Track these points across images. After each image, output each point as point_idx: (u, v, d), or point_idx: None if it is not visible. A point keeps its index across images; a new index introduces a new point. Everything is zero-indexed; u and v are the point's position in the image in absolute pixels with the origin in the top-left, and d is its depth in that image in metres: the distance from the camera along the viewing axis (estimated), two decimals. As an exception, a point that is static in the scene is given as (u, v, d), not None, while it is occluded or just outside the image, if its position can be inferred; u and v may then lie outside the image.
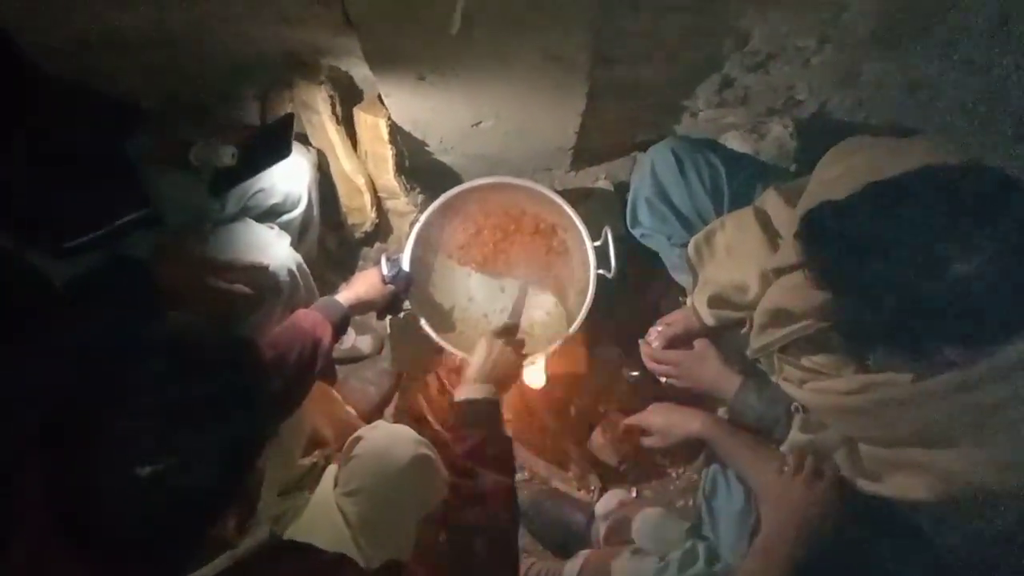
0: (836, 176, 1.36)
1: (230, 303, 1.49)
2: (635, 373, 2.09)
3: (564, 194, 1.83)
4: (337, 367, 2.16)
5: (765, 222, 1.53)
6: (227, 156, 1.48)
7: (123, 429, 0.88)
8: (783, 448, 1.44)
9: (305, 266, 1.76)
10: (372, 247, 2.21)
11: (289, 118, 1.56)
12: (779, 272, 1.44)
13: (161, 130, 1.52)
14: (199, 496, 0.92)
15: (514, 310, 1.84)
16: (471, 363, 1.50)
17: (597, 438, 2.09)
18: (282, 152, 1.50)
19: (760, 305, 1.49)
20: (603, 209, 2.08)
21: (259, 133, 1.60)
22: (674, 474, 2.10)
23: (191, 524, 0.95)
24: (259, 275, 1.55)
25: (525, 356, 1.60)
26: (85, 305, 1.35)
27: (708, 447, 1.56)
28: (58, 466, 0.89)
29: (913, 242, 1.06)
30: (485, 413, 1.42)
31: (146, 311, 1.44)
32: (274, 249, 1.63)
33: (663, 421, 1.55)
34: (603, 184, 2.16)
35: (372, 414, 2.10)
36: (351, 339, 2.12)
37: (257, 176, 1.57)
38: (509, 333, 1.63)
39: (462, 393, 1.44)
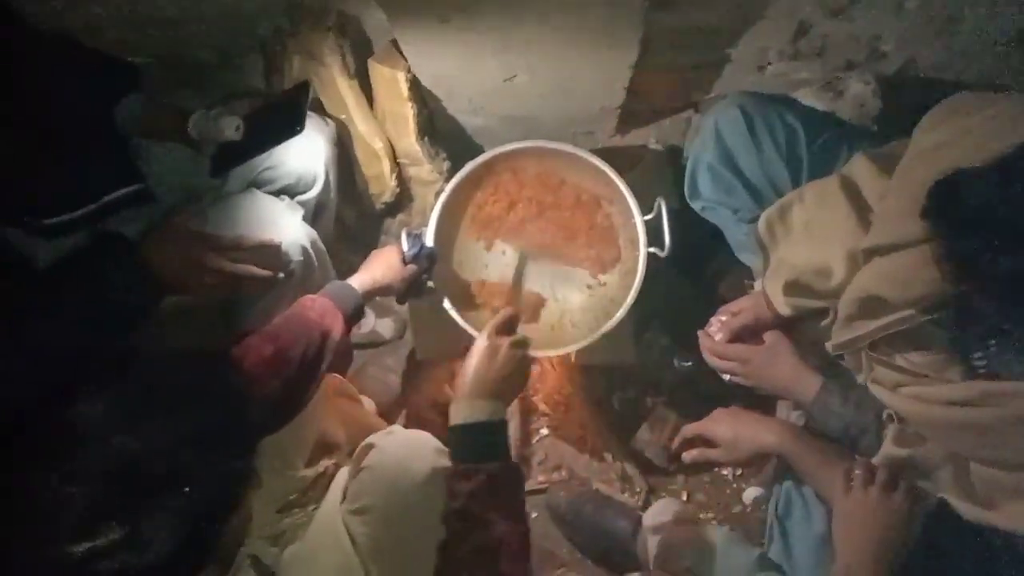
0: (951, 139, 1.14)
1: (236, 287, 1.29)
2: (687, 363, 1.88)
3: (609, 161, 1.61)
4: (355, 353, 1.95)
5: (853, 194, 1.31)
6: (231, 129, 1.26)
7: (53, 492, 0.67)
8: (874, 462, 1.23)
9: (321, 243, 1.55)
10: (394, 219, 1.99)
11: (304, 87, 1.34)
12: (872, 253, 1.23)
13: (154, 95, 1.31)
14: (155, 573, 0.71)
15: (513, 289, 1.58)
16: (467, 372, 1.25)
17: (644, 434, 1.91)
18: (294, 127, 1.28)
19: (847, 293, 1.27)
20: (655, 178, 1.86)
21: (269, 103, 1.37)
22: (731, 476, 1.89)
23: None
24: (270, 254, 1.34)
25: (534, 359, 1.36)
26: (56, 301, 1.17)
27: (781, 459, 1.33)
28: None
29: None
30: (492, 439, 1.19)
31: (136, 299, 1.25)
32: (285, 224, 1.42)
33: (730, 432, 1.33)
34: (654, 149, 1.91)
35: (393, 406, 1.89)
36: (371, 323, 1.92)
37: (265, 154, 1.36)
38: (512, 326, 1.36)
39: (459, 414, 1.19)
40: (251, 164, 1.42)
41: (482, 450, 1.17)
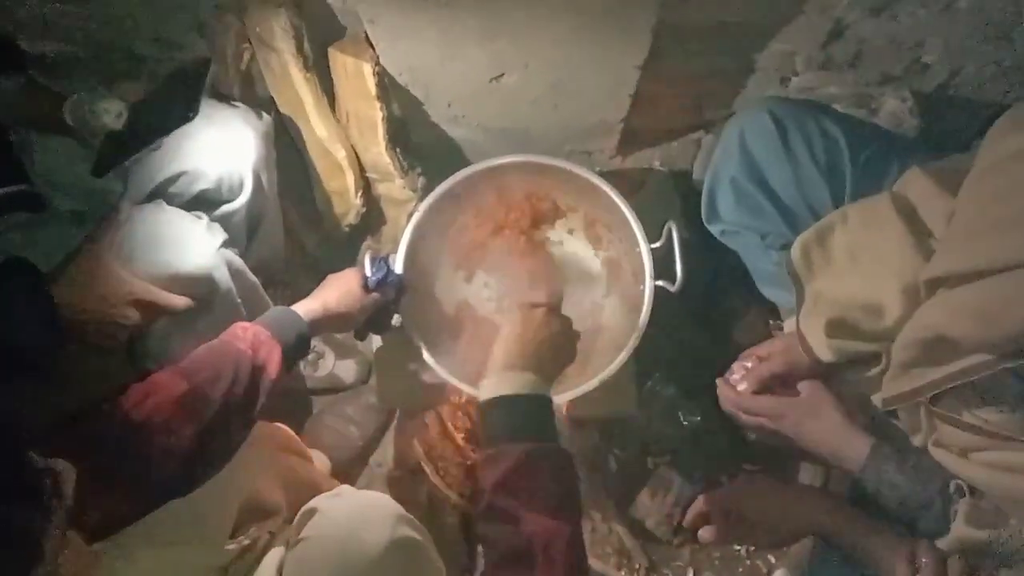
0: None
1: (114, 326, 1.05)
2: (696, 417, 1.65)
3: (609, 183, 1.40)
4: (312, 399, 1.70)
5: (908, 215, 1.10)
6: (111, 115, 1.03)
7: None
8: (941, 546, 1.00)
9: (249, 275, 1.29)
10: (364, 245, 1.76)
11: (203, 63, 1.11)
12: (938, 284, 1.02)
13: (35, 78, 1.07)
14: None
15: (552, 286, 1.42)
16: (502, 341, 1.05)
17: (644, 501, 1.64)
18: (186, 112, 1.05)
19: (905, 333, 1.05)
20: (660, 205, 1.64)
21: (161, 86, 1.14)
22: (744, 552, 1.64)
23: None
24: (170, 285, 1.10)
25: (578, 333, 1.18)
26: None
27: (820, 540, 1.09)
28: None
29: None
30: (528, 417, 0.97)
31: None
32: (194, 248, 1.16)
33: (760, 506, 1.10)
34: (659, 172, 1.69)
35: (353, 463, 1.64)
36: (330, 364, 1.67)
37: (166, 150, 1.11)
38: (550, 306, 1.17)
39: (489, 388, 0.99)
40: (156, 166, 1.17)
41: (514, 426, 0.95)
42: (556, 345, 1.08)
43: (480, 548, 0.92)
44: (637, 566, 1.61)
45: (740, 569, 1.63)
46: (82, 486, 0.86)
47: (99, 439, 0.87)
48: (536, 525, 0.85)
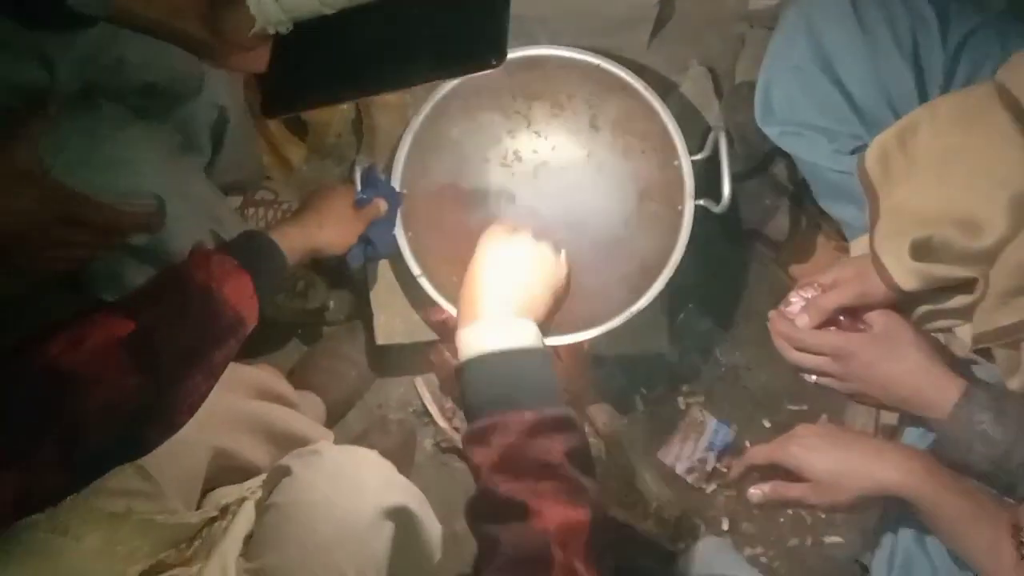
0: None
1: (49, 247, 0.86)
2: (735, 353, 1.53)
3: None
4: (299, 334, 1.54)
5: (1018, 109, 0.90)
6: None
7: None
8: None
9: (215, 190, 1.10)
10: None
11: None
12: None
13: None
14: None
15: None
16: (472, 276, 0.84)
17: (675, 445, 1.53)
18: None
19: (1011, 255, 0.89)
20: (699, 108, 1.44)
21: None
22: (786, 503, 1.51)
23: None
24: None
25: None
26: None
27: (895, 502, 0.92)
28: None
29: None
30: (530, 377, 0.77)
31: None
32: (135, 165, 0.95)
33: (828, 462, 0.91)
34: (696, 71, 1.48)
35: (350, 406, 1.50)
36: (322, 295, 1.49)
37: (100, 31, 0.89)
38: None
39: (467, 343, 0.78)
40: (90, 52, 0.93)
41: (510, 390, 0.75)
42: (549, 272, 0.87)
43: (477, 549, 0.71)
44: (666, 516, 1.49)
45: (782, 519, 1.50)
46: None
47: (16, 394, 0.70)
48: (552, 517, 0.67)
